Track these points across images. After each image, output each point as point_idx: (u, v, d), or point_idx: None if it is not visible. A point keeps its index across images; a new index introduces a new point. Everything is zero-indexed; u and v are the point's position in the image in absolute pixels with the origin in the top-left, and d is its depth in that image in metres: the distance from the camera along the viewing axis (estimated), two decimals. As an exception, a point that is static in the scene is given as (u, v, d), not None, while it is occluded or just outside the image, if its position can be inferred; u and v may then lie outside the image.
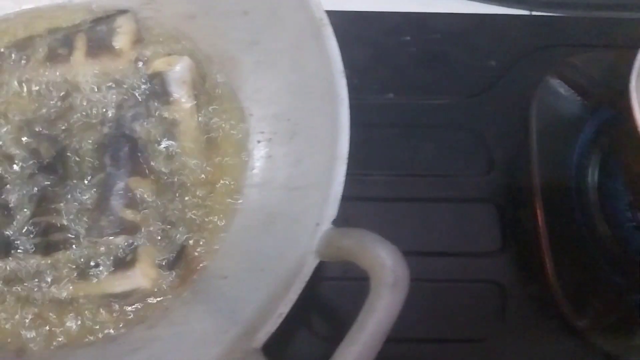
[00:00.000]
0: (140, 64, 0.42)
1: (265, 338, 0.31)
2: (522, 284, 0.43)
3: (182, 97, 0.41)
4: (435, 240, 0.44)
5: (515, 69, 0.49)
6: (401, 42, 0.50)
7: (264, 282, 0.35)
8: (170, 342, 0.36)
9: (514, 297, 0.42)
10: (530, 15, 0.52)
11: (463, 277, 0.43)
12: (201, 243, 0.39)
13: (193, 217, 0.39)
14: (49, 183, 0.39)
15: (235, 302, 0.36)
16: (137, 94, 0.41)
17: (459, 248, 0.44)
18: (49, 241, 0.38)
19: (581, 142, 0.44)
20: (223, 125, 0.42)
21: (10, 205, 0.39)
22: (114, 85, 0.41)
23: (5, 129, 0.40)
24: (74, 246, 0.38)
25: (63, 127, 0.40)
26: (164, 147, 0.40)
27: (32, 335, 0.37)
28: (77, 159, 0.40)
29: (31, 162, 0.40)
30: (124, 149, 0.40)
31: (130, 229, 0.38)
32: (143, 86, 0.41)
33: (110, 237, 0.37)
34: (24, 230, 0.38)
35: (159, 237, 0.38)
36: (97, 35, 0.42)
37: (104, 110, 0.41)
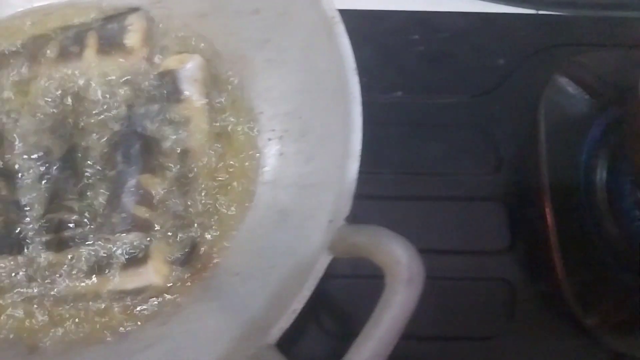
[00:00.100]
0: (152, 62, 0.42)
1: (279, 334, 0.31)
2: (531, 282, 0.43)
3: (193, 95, 0.41)
4: (444, 238, 0.44)
5: (523, 68, 0.49)
6: (409, 41, 0.50)
7: (276, 278, 0.35)
8: (182, 339, 0.36)
9: (523, 295, 0.42)
10: (537, 15, 0.52)
11: (472, 275, 0.43)
12: (212, 240, 0.39)
13: (204, 214, 0.39)
14: (61, 180, 0.39)
15: (247, 298, 0.36)
16: (148, 92, 0.41)
17: (467, 246, 0.44)
18: (61, 238, 0.38)
19: (590, 141, 0.44)
20: (234, 123, 0.42)
21: (22, 203, 0.39)
22: (125, 83, 0.41)
23: (17, 127, 0.41)
24: (86, 243, 0.38)
25: (75, 125, 0.40)
26: (175, 145, 0.40)
27: (44, 332, 0.37)
28: (89, 156, 0.40)
29: (43, 159, 0.40)
30: (136, 147, 0.40)
31: (142, 226, 0.38)
32: (154, 84, 0.41)
33: (122, 234, 0.38)
34: (37, 227, 0.38)
35: (171, 234, 0.39)
36: (108, 33, 0.42)
37: (116, 107, 0.41)
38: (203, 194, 0.40)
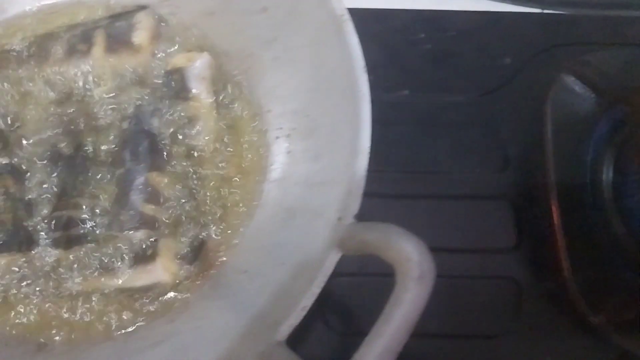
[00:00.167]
0: (160, 60, 0.42)
1: (289, 331, 0.31)
2: (537, 281, 0.43)
3: (201, 93, 0.41)
4: (451, 236, 0.44)
5: (529, 67, 0.49)
6: (415, 39, 0.50)
7: (285, 276, 0.35)
8: (190, 336, 0.36)
9: (529, 294, 0.43)
10: (542, 14, 0.52)
11: (478, 274, 0.43)
12: (220, 238, 0.39)
13: (212, 211, 0.40)
14: (69, 178, 0.39)
15: (256, 296, 0.36)
16: (156, 90, 0.41)
17: (473, 245, 0.44)
18: (69, 235, 0.38)
19: (596, 139, 0.44)
20: (241, 121, 0.42)
21: (31, 200, 0.39)
22: (133, 81, 0.41)
23: (25, 125, 0.41)
24: (94, 240, 0.38)
25: (83, 123, 0.41)
26: (183, 143, 0.40)
27: (52, 330, 0.37)
28: (97, 154, 0.40)
29: (51, 157, 0.40)
30: (144, 144, 0.40)
31: (150, 223, 0.38)
32: (162, 82, 0.41)
33: (131, 232, 0.38)
34: (45, 224, 0.38)
35: (179, 232, 0.39)
36: (116, 30, 0.42)
37: (124, 105, 0.41)
38: (211, 192, 0.40)
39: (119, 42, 0.42)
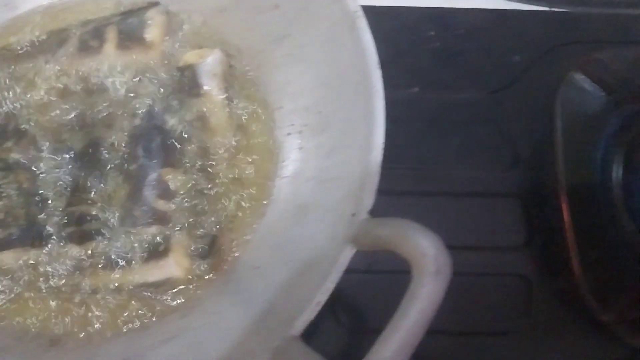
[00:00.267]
0: (171, 56, 0.42)
1: (303, 326, 0.31)
2: (548, 278, 0.43)
3: (212, 89, 0.41)
4: (460, 234, 0.44)
5: (539, 65, 0.49)
6: (425, 37, 0.50)
7: (296, 272, 0.36)
8: (203, 332, 0.36)
9: (540, 291, 0.43)
10: (552, 12, 0.52)
11: (488, 271, 0.43)
12: (233, 234, 0.39)
13: (224, 207, 0.40)
14: (82, 174, 0.39)
15: (268, 291, 0.36)
16: (168, 86, 0.41)
17: (483, 242, 0.44)
18: (82, 231, 0.38)
19: (606, 137, 0.44)
20: (253, 117, 0.42)
21: (44, 196, 0.39)
22: (145, 78, 0.41)
23: (38, 121, 0.41)
24: (107, 236, 0.38)
25: (95, 119, 0.41)
26: (195, 139, 0.40)
27: (65, 325, 0.37)
28: (110, 150, 0.40)
29: (64, 153, 0.40)
30: (156, 141, 0.40)
31: (162, 219, 0.38)
32: (174, 78, 0.41)
33: (144, 227, 0.38)
34: (58, 219, 0.38)
35: (191, 228, 0.39)
36: (128, 27, 0.42)
37: (136, 102, 0.41)
38: (223, 188, 0.40)
39: (130, 38, 0.42)
